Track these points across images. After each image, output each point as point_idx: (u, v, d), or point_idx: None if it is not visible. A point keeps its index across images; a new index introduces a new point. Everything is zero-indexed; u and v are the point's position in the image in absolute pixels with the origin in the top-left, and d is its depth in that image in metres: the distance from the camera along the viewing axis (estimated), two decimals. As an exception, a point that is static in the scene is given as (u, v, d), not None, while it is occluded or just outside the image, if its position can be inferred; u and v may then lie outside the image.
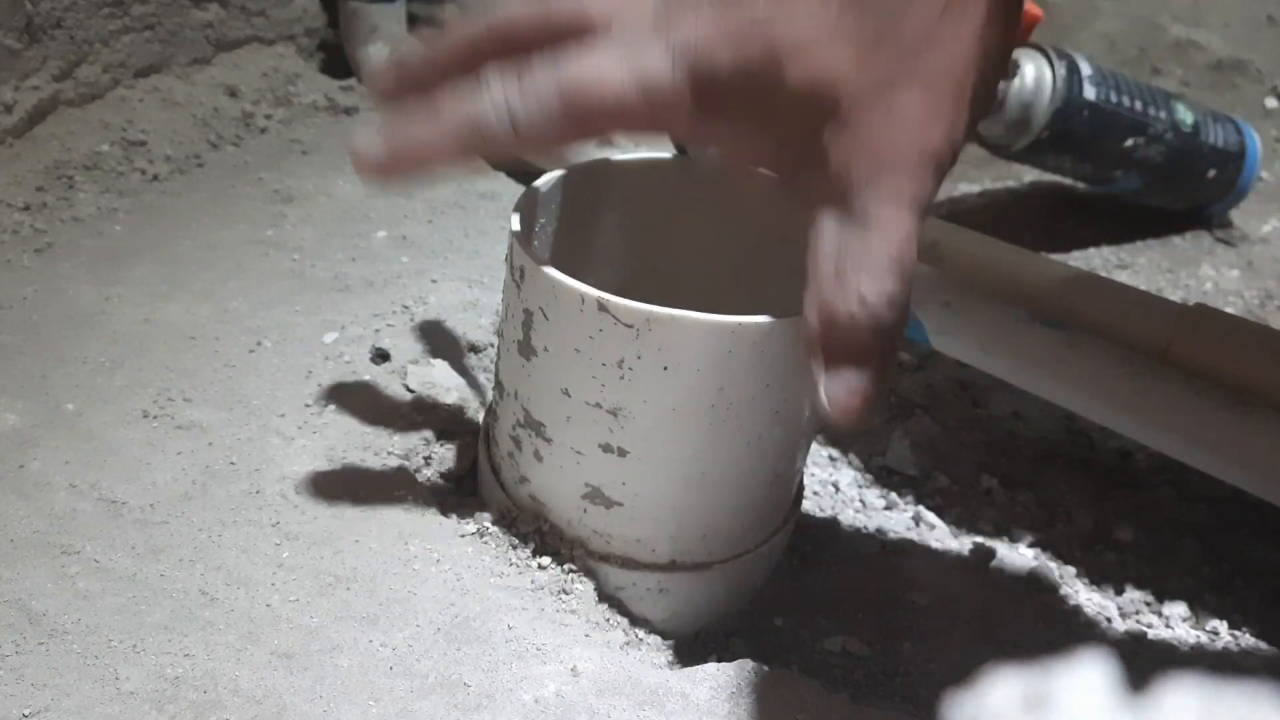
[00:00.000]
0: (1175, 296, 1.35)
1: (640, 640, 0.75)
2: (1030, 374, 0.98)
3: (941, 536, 0.91)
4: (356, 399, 0.87)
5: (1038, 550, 0.92)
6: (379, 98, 0.64)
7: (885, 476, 0.98)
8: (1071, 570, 0.90)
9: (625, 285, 0.74)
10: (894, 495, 0.96)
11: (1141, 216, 1.49)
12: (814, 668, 0.77)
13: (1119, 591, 0.88)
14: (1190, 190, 1.42)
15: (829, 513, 0.92)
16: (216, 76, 1.36)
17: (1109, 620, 0.85)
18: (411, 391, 0.89)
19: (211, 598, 0.68)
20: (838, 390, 0.53)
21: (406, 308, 0.99)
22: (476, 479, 0.85)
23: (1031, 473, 1.01)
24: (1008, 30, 0.53)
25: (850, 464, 0.99)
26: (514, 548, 0.76)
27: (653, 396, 0.66)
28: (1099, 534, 0.94)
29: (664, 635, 0.77)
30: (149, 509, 0.74)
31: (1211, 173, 1.39)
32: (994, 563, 0.89)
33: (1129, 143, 1.31)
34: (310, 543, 0.73)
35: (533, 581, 0.73)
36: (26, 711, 0.59)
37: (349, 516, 0.76)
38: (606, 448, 0.69)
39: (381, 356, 0.92)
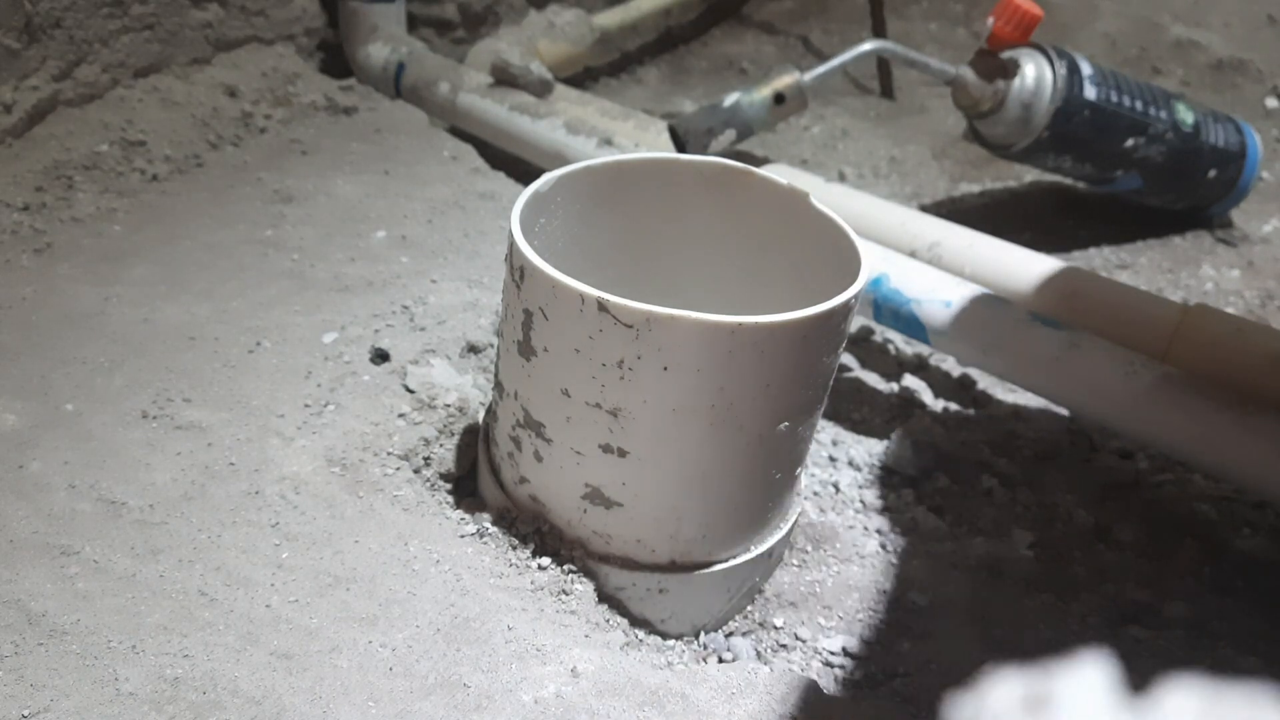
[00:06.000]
0: (1175, 296, 1.35)
1: (640, 640, 0.75)
2: (1030, 374, 0.98)
3: (941, 536, 0.91)
4: (356, 399, 0.87)
5: (1037, 550, 0.92)
6: None
7: (885, 476, 0.98)
8: (1071, 570, 0.90)
9: (625, 285, 0.74)
10: (894, 495, 0.96)
11: (1141, 216, 1.49)
12: (814, 668, 0.78)
13: (1119, 591, 0.88)
14: (1191, 190, 1.42)
15: (829, 513, 0.92)
16: (216, 76, 1.36)
17: (1108, 620, 0.85)
18: (411, 391, 0.89)
19: (211, 598, 0.68)
20: None
21: (406, 308, 0.99)
22: (476, 479, 0.85)
23: (1031, 473, 1.01)
24: None
25: (850, 464, 0.99)
26: (514, 548, 0.76)
27: (653, 396, 0.66)
28: (1099, 533, 0.94)
29: (664, 635, 0.78)
30: (148, 510, 0.74)
31: (1212, 173, 1.39)
32: (994, 563, 0.89)
33: (1129, 143, 1.31)
34: (310, 543, 0.73)
35: (532, 582, 0.73)
36: (26, 712, 0.59)
37: (349, 516, 0.76)
38: (606, 448, 0.69)
39: (381, 356, 0.92)
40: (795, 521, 0.82)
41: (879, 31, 1.86)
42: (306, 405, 0.86)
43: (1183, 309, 0.99)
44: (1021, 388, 1.02)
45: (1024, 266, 1.08)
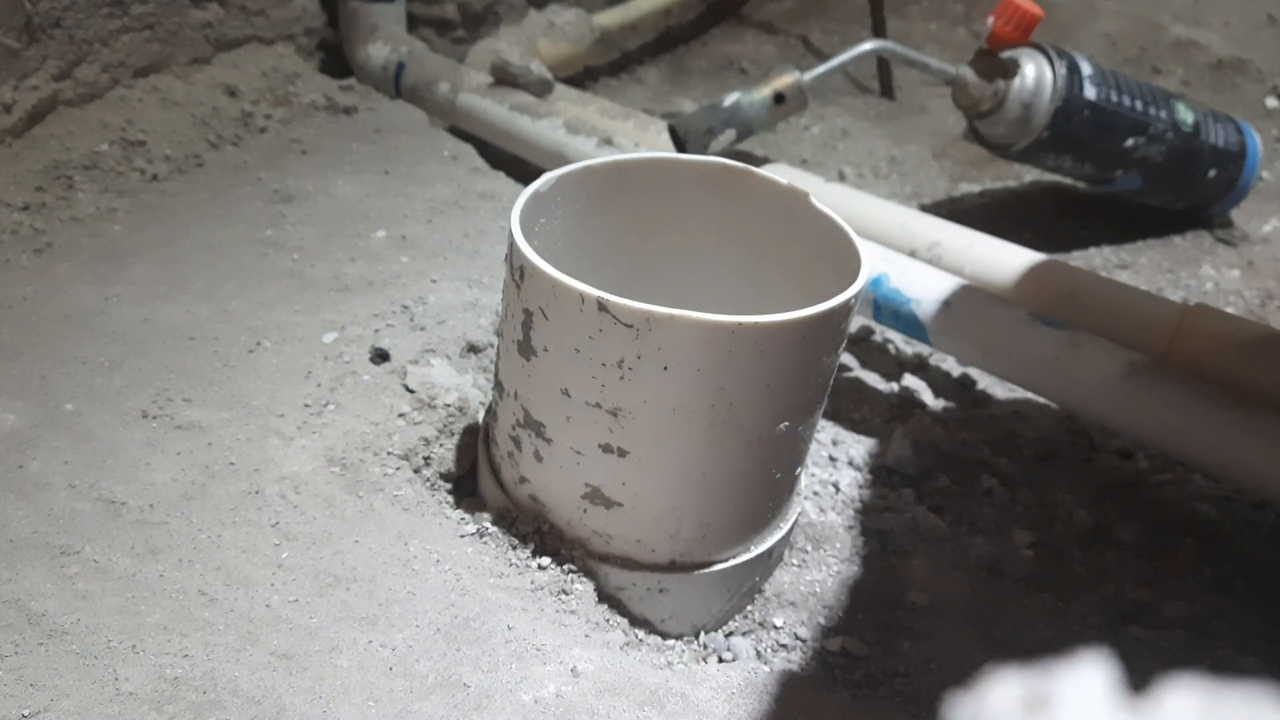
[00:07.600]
0: (1175, 296, 1.35)
1: (640, 640, 0.75)
2: (1030, 374, 0.98)
3: (941, 536, 0.91)
4: (356, 399, 0.87)
5: (1037, 550, 0.92)
6: None
7: (885, 476, 0.98)
8: (1071, 570, 0.90)
9: (625, 285, 0.74)
10: (894, 495, 0.96)
11: (1141, 216, 1.49)
12: (814, 668, 0.77)
13: (1119, 591, 0.88)
14: (1190, 190, 1.42)
15: (829, 513, 0.92)
16: (216, 76, 1.36)
17: (1108, 620, 0.85)
18: (411, 391, 0.89)
19: (211, 598, 0.68)
20: None
21: (406, 308, 0.99)
22: (476, 479, 0.85)
23: (1031, 473, 1.01)
24: None
25: (850, 464, 0.99)
26: (514, 548, 0.76)
27: (653, 396, 0.66)
28: (1099, 533, 0.94)
29: (664, 635, 0.77)
30: (148, 509, 0.74)
31: (1212, 172, 1.39)
32: (994, 563, 0.89)
33: (1129, 142, 1.31)
34: (310, 543, 0.73)
35: (532, 582, 0.73)
36: (26, 712, 0.59)
37: (349, 516, 0.76)
38: (606, 448, 0.69)
39: (381, 356, 0.92)
40: (795, 521, 0.82)
41: (879, 31, 1.86)
42: (306, 405, 0.86)
43: (1182, 309, 0.99)
44: (1021, 388, 1.02)
45: (1024, 266, 1.08)
